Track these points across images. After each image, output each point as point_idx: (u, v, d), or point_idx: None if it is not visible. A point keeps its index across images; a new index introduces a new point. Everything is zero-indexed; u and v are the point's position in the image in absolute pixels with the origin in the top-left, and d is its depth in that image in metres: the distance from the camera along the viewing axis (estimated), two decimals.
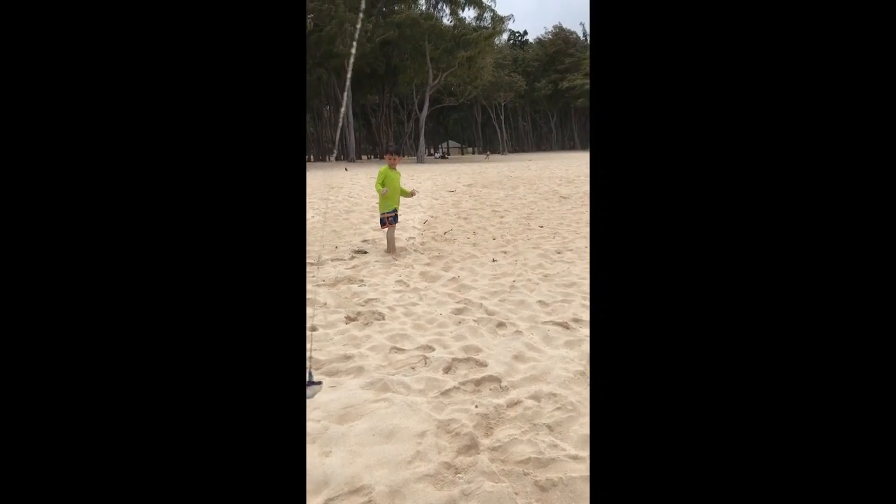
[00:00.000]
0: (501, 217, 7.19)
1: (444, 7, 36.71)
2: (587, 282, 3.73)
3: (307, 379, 1.50)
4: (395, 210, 4.99)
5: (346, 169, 26.75)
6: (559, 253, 4.87)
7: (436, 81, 35.84)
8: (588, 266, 4.05)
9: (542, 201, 8.75)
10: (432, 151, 61.57)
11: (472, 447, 1.76)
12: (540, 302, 3.32)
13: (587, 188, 10.70)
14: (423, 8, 36.28)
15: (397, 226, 5.11)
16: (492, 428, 1.88)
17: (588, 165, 19.54)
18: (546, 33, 67.75)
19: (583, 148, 66.55)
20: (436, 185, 12.96)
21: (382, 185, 4.86)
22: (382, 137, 50.57)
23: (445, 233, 6.05)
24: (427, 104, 37.20)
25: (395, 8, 35.09)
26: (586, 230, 6.04)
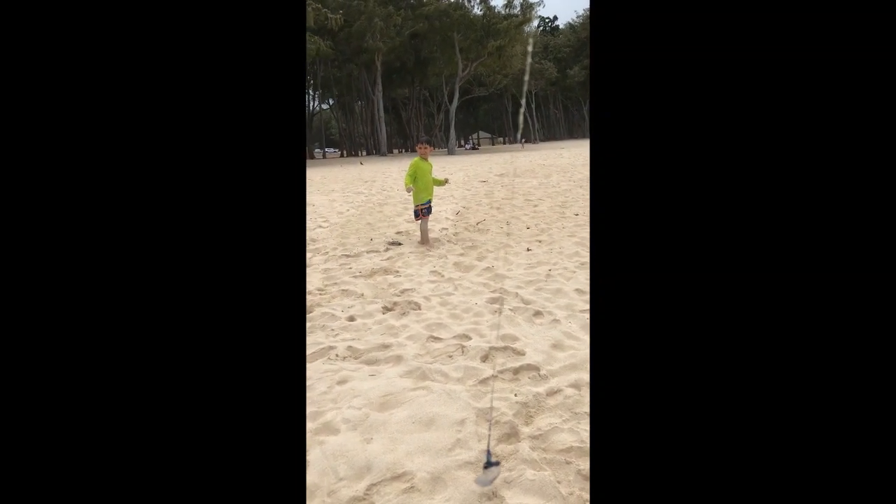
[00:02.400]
0: (535, 206, 7.09)
1: None
2: None
3: (486, 460, 1.35)
4: (429, 201, 4.99)
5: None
6: None
7: (465, 72, 35.62)
8: None
9: (576, 189, 8.59)
10: (462, 143, 61.45)
11: (512, 435, 1.75)
12: (577, 290, 3.26)
13: None
14: None
15: (430, 217, 5.12)
16: (532, 416, 1.86)
17: None
18: (577, 17, 66.16)
19: None
20: (468, 175, 12.92)
21: (414, 177, 4.83)
22: (413, 131, 50.73)
23: (478, 223, 6.02)
24: (457, 95, 37.04)
25: (424, 0, 34.96)
26: None
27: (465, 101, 50.99)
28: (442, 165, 19.61)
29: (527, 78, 1.51)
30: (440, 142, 49.47)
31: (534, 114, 60.59)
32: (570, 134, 74.07)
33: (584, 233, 5.12)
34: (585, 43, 60.08)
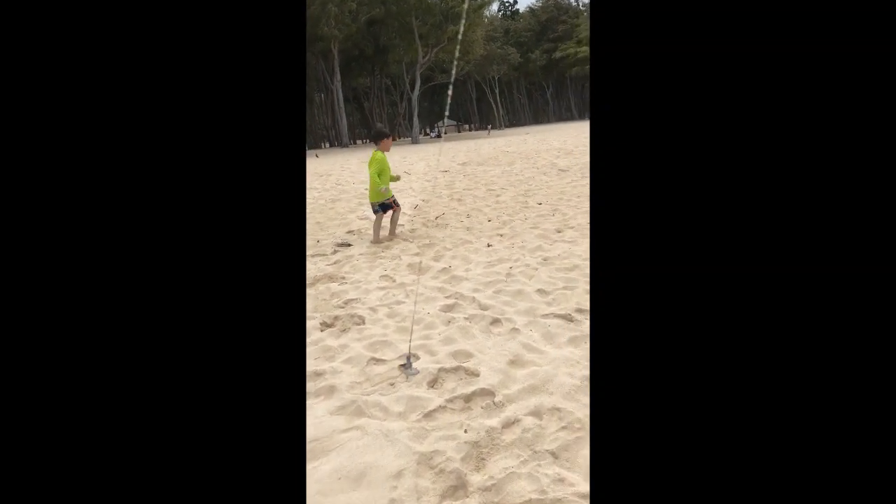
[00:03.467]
0: (497, 196, 6.81)
1: None
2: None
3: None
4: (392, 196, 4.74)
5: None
6: (559, 232, 4.51)
7: (426, 59, 34.94)
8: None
9: (540, 176, 8.34)
10: (427, 131, 60.76)
11: (459, 488, 1.44)
12: (539, 291, 2.98)
13: (587, 159, 10.25)
14: None
15: (384, 214, 4.75)
16: (484, 459, 1.56)
17: (587, 135, 18.86)
18: (537, 1, 66.02)
19: (580, 117, 65.43)
20: (428, 165, 12.48)
21: (379, 175, 4.55)
22: (376, 120, 49.84)
23: (437, 217, 5.68)
24: (418, 83, 36.36)
25: None
26: (587, 204, 5.66)
27: (429, 88, 50.26)
28: (402, 155, 19.10)
29: (455, 62, 1.20)
30: (405, 131, 48.72)
31: (498, 100, 60.33)
32: (536, 119, 74.23)
33: (548, 223, 4.86)
34: (546, 26, 60.06)
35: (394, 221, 4.75)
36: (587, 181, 7.34)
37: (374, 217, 4.76)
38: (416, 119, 37.25)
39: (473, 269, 3.59)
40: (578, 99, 71.52)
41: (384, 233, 4.77)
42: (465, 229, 4.95)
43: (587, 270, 3.28)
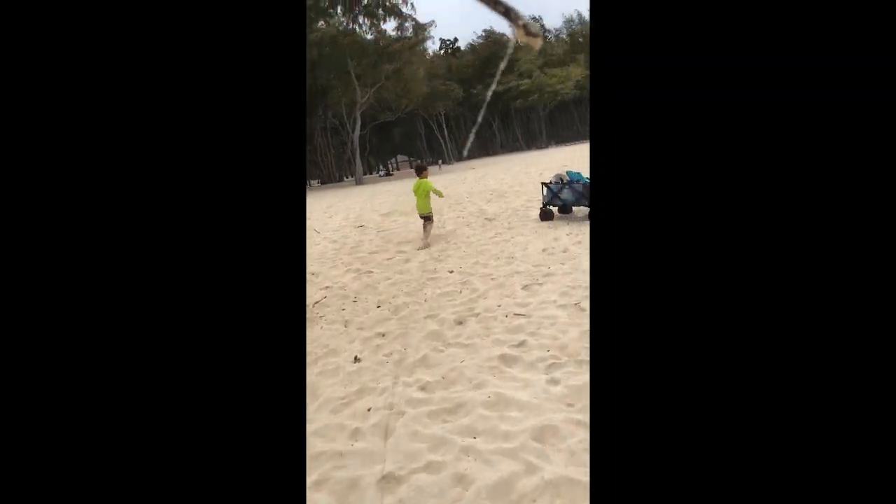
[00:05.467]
0: (407, 261, 5.69)
1: (364, 21, 35.17)
2: (489, 398, 2.26)
3: None
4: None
5: None
6: (460, 324, 3.40)
7: (364, 98, 34.34)
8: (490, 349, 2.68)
9: (462, 228, 7.31)
10: (380, 168, 59.81)
11: None
12: (387, 478, 1.80)
13: (519, 202, 9.35)
14: (343, 23, 34.64)
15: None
16: None
17: (528, 169, 18.33)
18: (477, 38, 67.82)
19: (527, 147, 66.71)
20: (346, 219, 11.14)
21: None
22: (322, 159, 48.77)
23: (316, 303, 4.46)
24: (359, 122, 35.64)
25: (315, 26, 33.36)
26: (506, 269, 4.62)
27: (378, 125, 49.75)
28: (330, 203, 17.80)
29: None
30: (349, 172, 47.75)
31: (445, 135, 60.61)
32: (485, 151, 75.10)
33: (451, 307, 3.76)
34: (488, 61, 61.42)
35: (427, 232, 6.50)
36: (512, 233, 6.35)
37: None
38: (358, 159, 36.27)
39: (322, 410, 2.41)
40: (524, 130, 73.08)
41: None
42: (341, 324, 3.76)
43: (482, 412, 2.17)
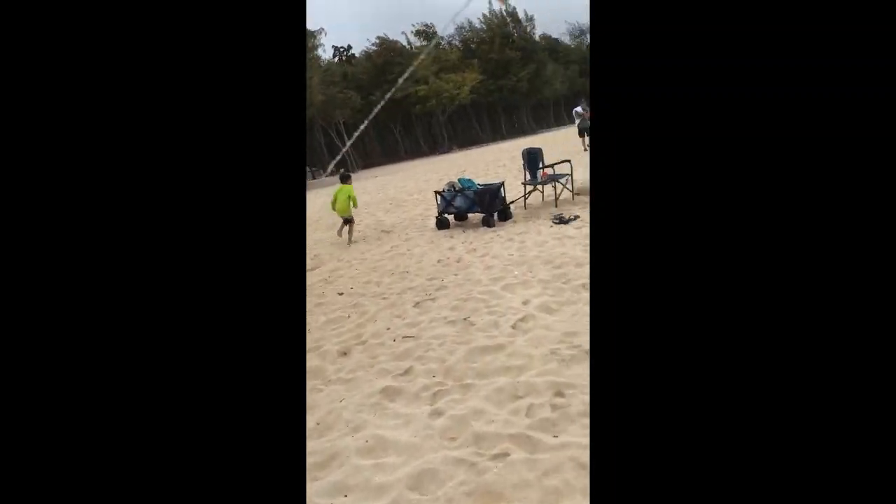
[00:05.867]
0: None
1: None
2: None
3: None
4: None
5: None
6: (344, 355, 3.13)
7: None
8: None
9: (359, 243, 7.02)
10: None
11: None
12: None
13: (417, 210, 9.23)
14: None
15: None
16: None
17: (427, 175, 18.32)
18: (371, 45, 67.37)
19: (430, 152, 67.50)
20: None
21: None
22: None
23: None
24: None
25: None
26: (399, 287, 4.42)
27: None
28: None
29: None
30: None
31: (346, 144, 59.39)
32: (389, 158, 74.77)
33: (342, 333, 3.46)
34: (383, 68, 61.20)
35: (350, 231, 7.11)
36: (409, 244, 6.19)
37: None
38: None
39: None
40: (427, 134, 73.85)
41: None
42: None
43: (356, 462, 1.94)
